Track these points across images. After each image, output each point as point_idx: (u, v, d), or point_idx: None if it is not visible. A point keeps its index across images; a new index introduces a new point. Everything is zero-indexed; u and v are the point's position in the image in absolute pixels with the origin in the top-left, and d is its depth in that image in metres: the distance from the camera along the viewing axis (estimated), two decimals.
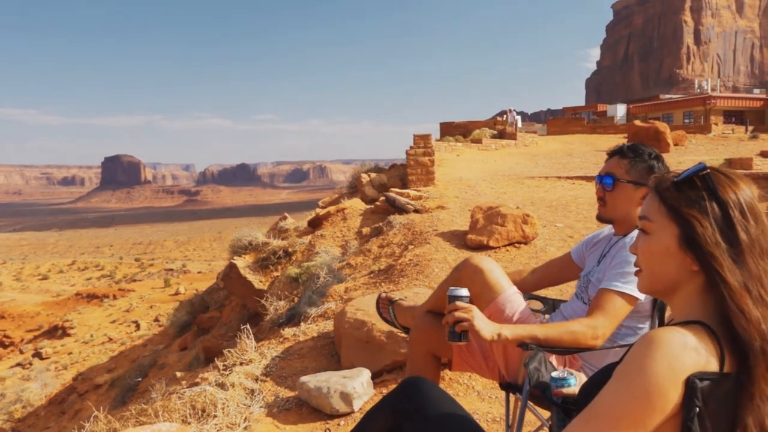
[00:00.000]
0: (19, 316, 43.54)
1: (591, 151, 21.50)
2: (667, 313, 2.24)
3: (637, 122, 27.22)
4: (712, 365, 1.06)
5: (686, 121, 43.71)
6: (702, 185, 1.15)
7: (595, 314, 2.11)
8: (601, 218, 2.35)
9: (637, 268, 1.28)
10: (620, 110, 46.78)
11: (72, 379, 17.76)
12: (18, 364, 30.27)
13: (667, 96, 59.30)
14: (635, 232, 2.24)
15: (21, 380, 25.14)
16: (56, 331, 35.83)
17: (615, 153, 2.30)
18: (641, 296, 2.13)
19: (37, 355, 30.91)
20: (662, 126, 22.21)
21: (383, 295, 2.92)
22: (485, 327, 1.95)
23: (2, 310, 45.59)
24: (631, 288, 2.11)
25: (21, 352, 33.90)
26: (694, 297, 1.17)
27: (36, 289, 72.65)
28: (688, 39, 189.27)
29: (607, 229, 2.42)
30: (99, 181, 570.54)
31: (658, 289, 1.24)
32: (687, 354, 1.05)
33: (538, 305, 2.60)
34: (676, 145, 22.34)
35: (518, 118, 32.67)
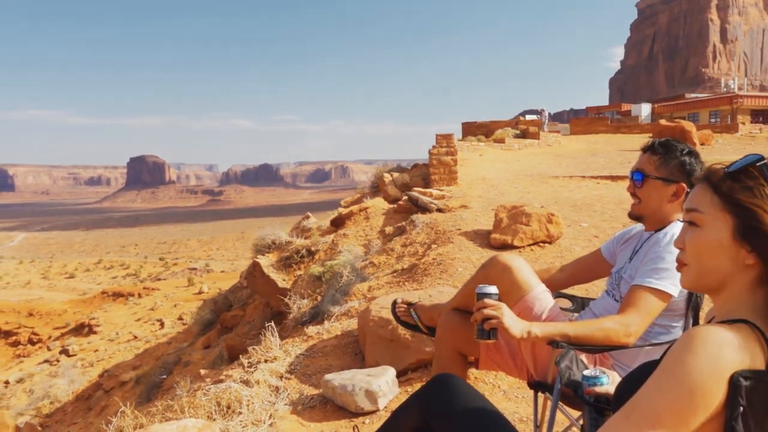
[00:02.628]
0: (46, 313, 44.38)
1: (615, 150, 21.25)
2: (702, 313, 2.20)
3: (663, 121, 26.86)
4: (757, 364, 1.03)
5: (712, 120, 43.02)
6: (760, 174, 1.12)
7: (628, 311, 2.07)
8: (632, 215, 2.32)
9: (684, 263, 1.24)
10: (645, 110, 46.20)
11: (98, 375, 18.02)
12: (46, 361, 30.79)
13: (693, 95, 58.44)
14: (668, 228, 2.20)
15: (48, 376, 25.55)
16: (83, 329, 36.42)
17: (647, 149, 2.27)
18: (675, 293, 2.09)
19: (64, 352, 31.42)
20: (688, 125, 21.89)
21: (399, 300, 2.86)
22: (515, 324, 1.93)
23: (30, 307, 46.51)
24: (665, 284, 2.07)
25: (48, 349, 34.51)
26: (743, 293, 1.13)
27: (63, 287, 73.91)
28: (714, 37, 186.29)
29: (640, 225, 2.38)
30: (124, 181, 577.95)
31: (706, 284, 1.20)
32: (731, 352, 1.02)
33: (566, 303, 2.57)
34: (702, 144, 22.01)
35: (539, 117, 32.47)
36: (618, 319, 2.06)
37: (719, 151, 20.85)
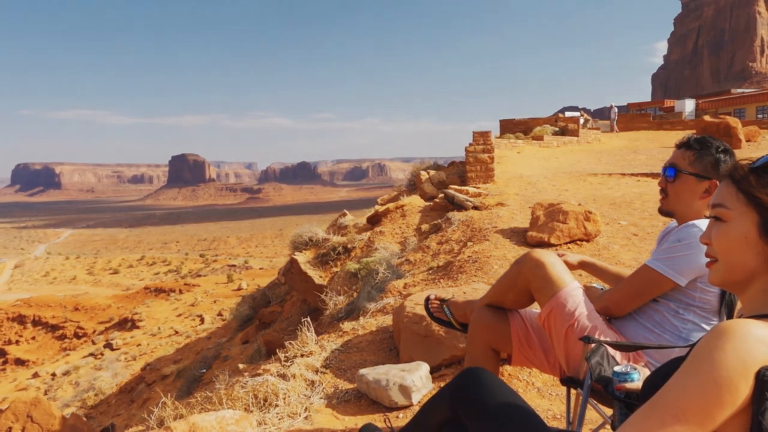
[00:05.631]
0: (91, 308, 45.60)
1: (657, 147, 20.83)
2: (736, 312, 2.17)
3: (707, 117, 26.12)
4: None
5: (759, 116, 41.76)
6: None
7: (621, 285, 2.28)
8: (662, 210, 2.31)
9: (713, 259, 1.24)
10: (689, 105, 45.10)
11: (140, 369, 18.42)
12: (90, 354, 31.60)
13: (739, 90, 56.81)
14: (693, 221, 2.17)
15: (93, 369, 26.26)
16: (126, 324, 37.25)
17: (682, 144, 2.26)
18: (679, 281, 2.11)
19: (108, 345, 32.18)
20: (733, 121, 21.20)
21: (432, 296, 2.88)
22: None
23: (76, 302, 47.86)
24: (663, 266, 2.13)
25: (93, 343, 35.43)
26: None
27: (107, 282, 75.89)
28: (762, 31, 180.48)
29: (675, 223, 2.36)
30: (166, 180, 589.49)
31: (733, 280, 1.20)
32: (759, 347, 1.01)
33: None
34: (748, 141, 21.36)
35: (588, 116, 31.79)
36: (611, 291, 2.31)
37: (766, 147, 20.26)
